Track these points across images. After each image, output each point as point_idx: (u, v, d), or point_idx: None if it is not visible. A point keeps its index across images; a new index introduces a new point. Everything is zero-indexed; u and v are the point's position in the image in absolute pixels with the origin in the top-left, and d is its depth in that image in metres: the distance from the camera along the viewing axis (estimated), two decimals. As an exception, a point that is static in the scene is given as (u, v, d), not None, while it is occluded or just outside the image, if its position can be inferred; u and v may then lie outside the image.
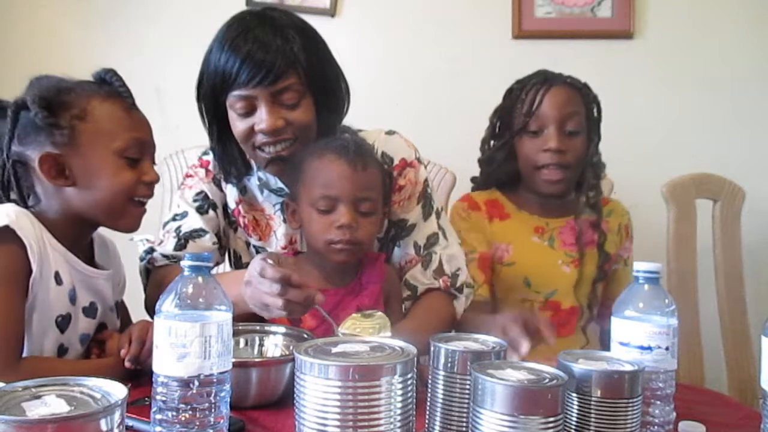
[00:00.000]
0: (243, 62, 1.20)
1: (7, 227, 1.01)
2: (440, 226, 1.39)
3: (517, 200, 1.56)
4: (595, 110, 1.53)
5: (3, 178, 1.11)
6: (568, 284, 1.47)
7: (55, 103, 1.07)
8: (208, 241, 1.37)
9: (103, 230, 1.22)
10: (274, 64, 1.19)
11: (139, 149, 1.12)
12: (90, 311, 1.14)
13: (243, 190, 1.40)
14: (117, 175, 1.09)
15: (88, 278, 1.14)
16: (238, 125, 1.26)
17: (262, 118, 1.23)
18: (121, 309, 1.28)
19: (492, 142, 1.57)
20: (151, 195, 1.16)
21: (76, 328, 1.12)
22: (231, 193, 1.41)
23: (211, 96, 1.27)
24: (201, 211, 1.38)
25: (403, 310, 1.34)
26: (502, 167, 1.53)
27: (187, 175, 1.44)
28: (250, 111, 1.24)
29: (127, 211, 1.13)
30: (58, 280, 1.07)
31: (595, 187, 1.52)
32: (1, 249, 1.01)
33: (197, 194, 1.40)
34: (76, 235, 1.14)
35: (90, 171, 1.09)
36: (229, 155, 1.35)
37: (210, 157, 1.42)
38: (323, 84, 1.29)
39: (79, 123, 1.07)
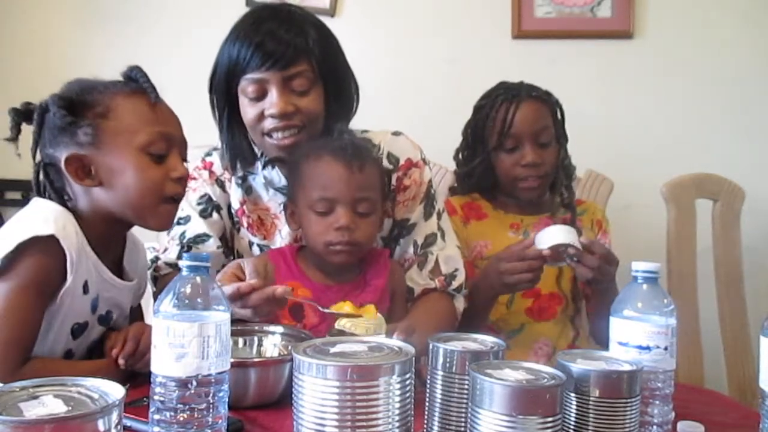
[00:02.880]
0: (257, 47, 1.23)
1: (52, 236, 0.99)
2: (440, 227, 1.40)
3: (494, 202, 1.63)
4: (558, 114, 1.60)
5: (37, 181, 1.11)
6: (545, 271, 1.49)
7: (77, 103, 1.05)
8: (212, 245, 1.37)
9: (134, 230, 1.20)
10: (288, 49, 1.23)
11: (165, 144, 1.08)
12: (104, 320, 1.13)
13: (248, 190, 1.41)
14: (142, 172, 1.06)
15: (111, 288, 1.12)
16: (249, 111, 1.27)
17: (272, 102, 1.24)
18: (136, 313, 1.27)
19: (465, 153, 1.64)
20: (182, 191, 1.12)
21: (89, 336, 1.11)
22: (235, 193, 1.41)
23: (225, 83, 1.29)
24: (204, 214, 1.38)
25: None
26: (481, 180, 1.60)
27: (191, 178, 1.43)
28: (261, 95, 1.26)
29: (157, 210, 1.09)
30: (86, 288, 1.06)
31: (567, 188, 1.61)
32: (38, 257, 0.99)
33: (201, 197, 1.40)
34: (110, 234, 1.12)
35: (115, 170, 1.06)
36: (237, 147, 1.36)
37: (212, 158, 1.43)
38: (334, 78, 1.31)
39: (102, 121, 1.05)
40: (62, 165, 1.05)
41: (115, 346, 1.05)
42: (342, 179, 1.21)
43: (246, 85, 1.26)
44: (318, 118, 1.29)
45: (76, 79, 1.11)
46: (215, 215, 1.39)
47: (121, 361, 1.04)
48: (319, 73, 1.27)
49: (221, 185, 1.41)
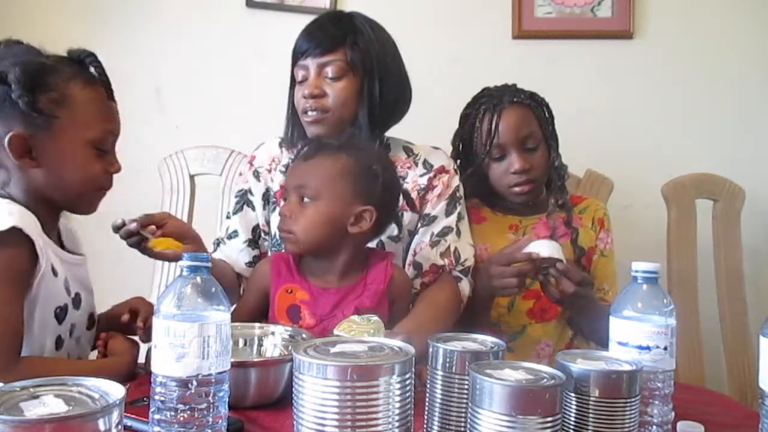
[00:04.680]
0: (305, 38, 1.42)
1: (13, 228, 1.00)
2: (457, 226, 1.47)
3: (492, 204, 1.64)
4: (546, 114, 1.58)
5: None
6: None
7: (37, 85, 1.04)
8: (239, 241, 1.49)
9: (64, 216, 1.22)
10: (326, 39, 1.39)
11: (111, 141, 1.13)
12: (76, 302, 1.14)
13: None
14: (87, 165, 1.09)
15: (73, 267, 1.14)
16: (296, 95, 1.44)
17: (307, 84, 1.40)
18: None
19: (457, 162, 1.63)
20: (111, 184, 1.16)
21: (70, 319, 1.12)
22: (277, 178, 1.51)
23: (291, 79, 1.46)
24: (236, 209, 1.52)
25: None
26: (476, 188, 1.61)
27: (240, 173, 1.59)
28: (304, 80, 1.41)
29: (90, 199, 1.14)
30: (55, 272, 1.07)
31: (560, 189, 1.60)
32: (6, 252, 1.00)
33: (238, 191, 1.54)
34: (49, 220, 1.12)
35: (60, 157, 1.07)
36: (293, 128, 1.50)
37: (258, 151, 1.56)
38: (373, 74, 1.41)
39: (57, 108, 1.05)
40: (4, 141, 1.04)
41: (122, 314, 1.17)
42: (293, 168, 1.28)
43: (296, 71, 1.43)
44: (344, 105, 1.39)
45: (13, 41, 1.10)
46: (246, 208, 1.51)
47: (140, 323, 1.14)
48: (354, 63, 1.38)
49: (256, 176, 1.53)
